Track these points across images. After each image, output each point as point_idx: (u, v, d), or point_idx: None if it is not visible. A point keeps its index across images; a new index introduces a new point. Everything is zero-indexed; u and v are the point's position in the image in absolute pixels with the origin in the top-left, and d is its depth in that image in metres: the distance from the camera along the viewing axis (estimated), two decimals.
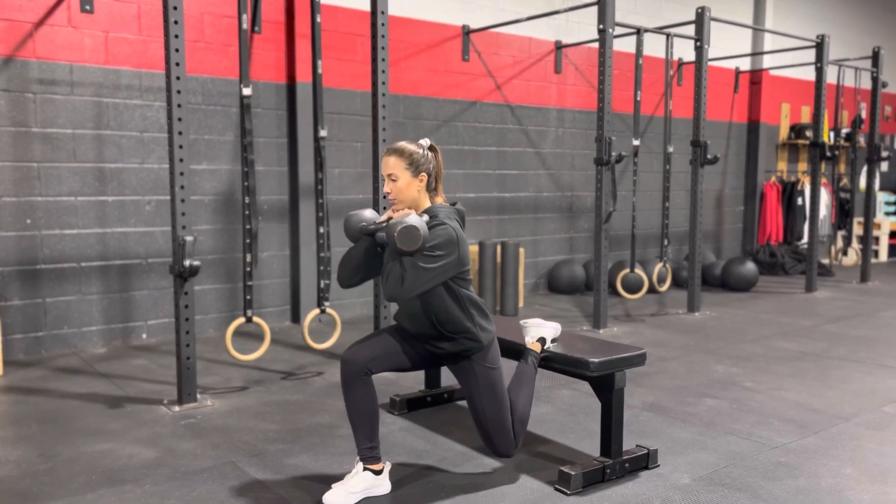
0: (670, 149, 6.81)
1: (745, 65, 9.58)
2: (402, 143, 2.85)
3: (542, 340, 3.19)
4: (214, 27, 5.50)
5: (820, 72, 7.58)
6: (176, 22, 3.71)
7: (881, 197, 11.26)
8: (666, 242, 6.82)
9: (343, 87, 6.12)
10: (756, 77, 9.58)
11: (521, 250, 6.87)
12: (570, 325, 5.94)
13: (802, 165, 10.51)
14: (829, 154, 7.74)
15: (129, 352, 5.07)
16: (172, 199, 3.78)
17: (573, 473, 2.85)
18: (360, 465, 2.79)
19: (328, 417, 3.72)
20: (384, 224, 2.81)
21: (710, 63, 8.42)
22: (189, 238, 3.71)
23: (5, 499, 2.77)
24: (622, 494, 2.85)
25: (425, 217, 2.77)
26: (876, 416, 3.78)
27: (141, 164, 5.28)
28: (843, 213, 9.84)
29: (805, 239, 9.79)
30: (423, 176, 2.83)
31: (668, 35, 6.69)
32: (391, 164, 2.81)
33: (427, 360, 3.00)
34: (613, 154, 5.65)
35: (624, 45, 7.72)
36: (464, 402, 3.95)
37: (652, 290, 7.51)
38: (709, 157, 6.44)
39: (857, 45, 10.73)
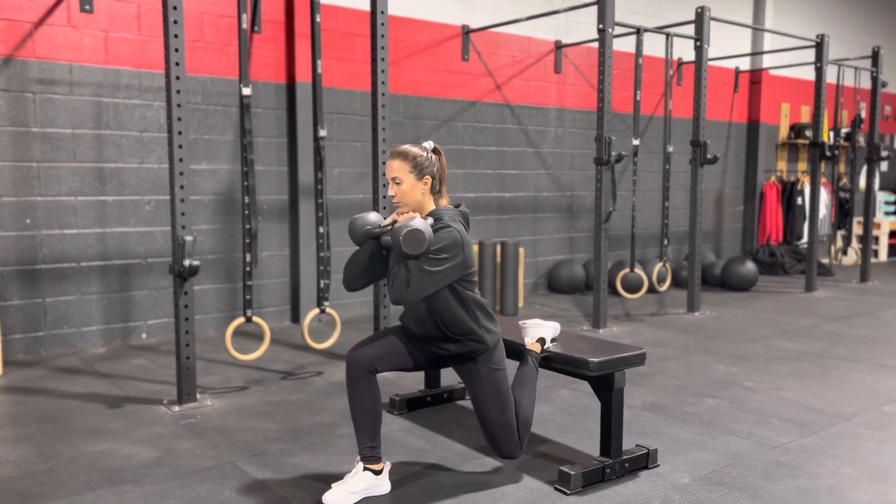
0: (670, 148, 6.81)
1: (744, 64, 9.58)
2: (406, 146, 2.85)
3: (541, 341, 3.20)
4: (214, 27, 5.50)
5: (820, 71, 7.58)
6: (175, 22, 3.71)
7: (881, 196, 11.26)
8: (666, 242, 6.82)
9: (343, 86, 6.12)
10: (756, 77, 9.59)
11: (521, 250, 6.87)
12: (569, 324, 5.95)
13: (802, 165, 10.51)
14: (828, 154, 7.74)
15: (129, 352, 5.07)
16: (172, 198, 3.78)
17: (573, 473, 2.85)
18: (360, 464, 2.79)
19: (328, 417, 3.72)
20: (389, 227, 2.81)
21: (709, 63, 8.41)
22: (189, 238, 3.71)
23: (5, 499, 2.77)
24: (622, 494, 2.85)
25: (430, 220, 2.77)
26: (875, 415, 3.78)
27: (141, 164, 5.27)
28: (842, 213, 9.85)
29: (805, 239, 9.79)
30: (428, 179, 2.83)
31: (667, 35, 6.69)
32: (395, 168, 2.81)
33: (432, 362, 3.01)
34: (613, 154, 5.65)
35: (624, 45, 7.72)
36: (464, 402, 3.96)
37: (652, 289, 7.51)
38: (708, 156, 6.44)
39: (856, 44, 10.73)
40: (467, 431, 3.51)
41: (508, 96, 7.25)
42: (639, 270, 6.91)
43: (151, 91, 5.28)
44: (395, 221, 2.82)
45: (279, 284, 5.97)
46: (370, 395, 2.78)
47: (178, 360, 3.86)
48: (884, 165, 12.00)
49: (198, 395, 3.97)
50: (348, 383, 2.80)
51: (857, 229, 10.41)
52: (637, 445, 3.15)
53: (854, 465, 3.12)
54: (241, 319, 4.26)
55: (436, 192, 2.90)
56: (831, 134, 9.52)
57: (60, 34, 4.92)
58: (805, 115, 10.38)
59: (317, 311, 4.52)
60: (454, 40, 6.82)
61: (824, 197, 10.02)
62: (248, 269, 4.22)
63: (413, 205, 2.84)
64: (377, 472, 2.80)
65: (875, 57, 8.26)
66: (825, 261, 10.11)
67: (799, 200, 9.81)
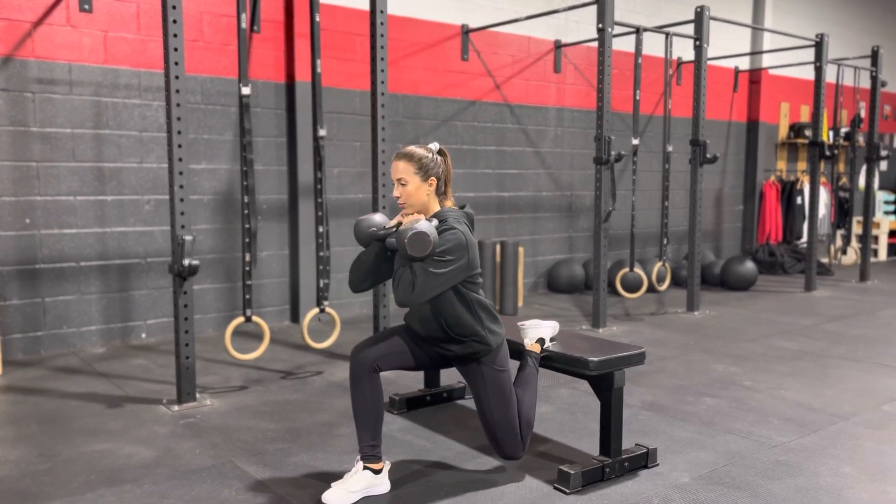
0: (669, 148, 6.80)
1: (744, 64, 9.58)
2: (412, 148, 2.85)
3: (541, 341, 3.20)
4: (213, 26, 5.50)
5: (819, 71, 7.58)
6: (175, 21, 3.71)
7: (880, 196, 11.26)
8: (665, 241, 6.82)
9: (342, 86, 6.12)
10: (755, 76, 9.59)
11: (521, 250, 6.87)
12: (569, 324, 5.95)
13: (802, 164, 10.51)
14: (828, 153, 7.74)
15: (129, 351, 5.06)
16: (171, 198, 3.78)
17: (572, 472, 2.85)
18: (360, 463, 2.79)
19: (327, 416, 3.72)
20: (394, 229, 2.81)
21: (709, 62, 8.39)
22: (188, 237, 3.71)
23: (5, 499, 2.77)
24: (621, 493, 2.85)
25: (435, 222, 2.77)
26: (875, 414, 3.78)
27: (140, 164, 5.27)
28: (842, 213, 9.85)
29: (804, 238, 9.79)
30: (433, 180, 2.83)
31: (667, 34, 6.69)
32: (400, 169, 2.81)
33: (436, 362, 3.01)
34: (613, 153, 5.65)
35: (623, 45, 7.72)
36: (463, 402, 3.96)
37: (651, 289, 7.51)
38: (708, 156, 6.45)
39: (856, 44, 10.74)
40: (467, 431, 3.51)
41: (508, 96, 7.25)
42: (638, 270, 6.90)
43: (151, 91, 5.28)
44: (400, 223, 2.81)
45: (279, 284, 5.97)
46: (373, 395, 2.79)
47: (178, 360, 3.86)
48: (883, 165, 12.00)
49: (197, 395, 3.97)
50: (352, 382, 2.81)
51: (856, 229, 10.41)
52: (636, 445, 3.15)
53: (853, 464, 3.13)
54: (241, 319, 4.26)
55: (441, 193, 2.89)
56: (831, 133, 9.53)
57: (60, 34, 4.92)
58: (804, 115, 10.38)
59: (316, 310, 4.52)
60: (454, 40, 6.82)
61: (824, 196, 10.02)
62: (247, 268, 4.22)
63: (418, 206, 2.84)
64: (377, 472, 2.80)
65: (874, 56, 8.26)
66: (825, 260, 10.10)
67: (798, 200, 9.81)
